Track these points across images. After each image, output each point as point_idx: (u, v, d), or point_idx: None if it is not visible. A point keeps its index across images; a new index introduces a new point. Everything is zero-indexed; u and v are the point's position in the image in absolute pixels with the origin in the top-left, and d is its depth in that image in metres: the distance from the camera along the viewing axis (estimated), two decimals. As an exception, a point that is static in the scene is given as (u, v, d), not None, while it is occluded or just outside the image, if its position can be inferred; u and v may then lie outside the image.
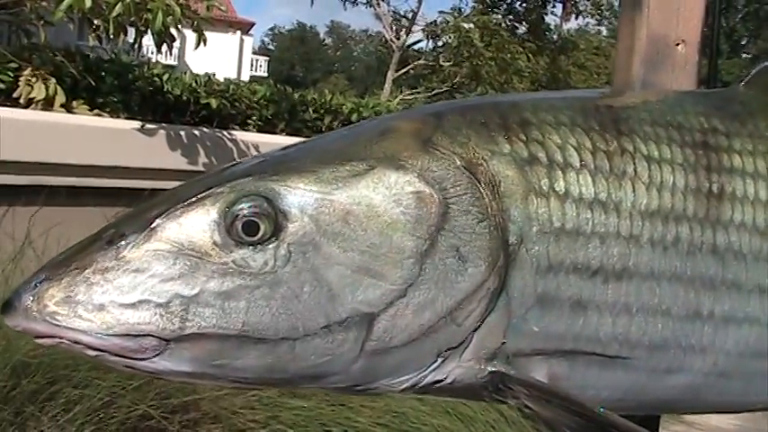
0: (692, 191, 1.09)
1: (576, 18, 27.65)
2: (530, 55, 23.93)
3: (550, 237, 1.01)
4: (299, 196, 0.94)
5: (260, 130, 6.44)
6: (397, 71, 23.10)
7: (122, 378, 2.62)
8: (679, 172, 1.09)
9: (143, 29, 4.43)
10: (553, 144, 1.05)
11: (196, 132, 5.33)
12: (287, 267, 0.92)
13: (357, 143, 1.03)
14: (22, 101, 4.68)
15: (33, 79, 4.71)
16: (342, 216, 0.94)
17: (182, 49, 26.80)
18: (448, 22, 23.72)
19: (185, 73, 6.75)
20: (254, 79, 23.02)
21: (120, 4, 4.14)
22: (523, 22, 26.20)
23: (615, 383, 1.08)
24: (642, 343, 1.06)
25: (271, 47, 61.49)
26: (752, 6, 31.31)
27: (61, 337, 0.90)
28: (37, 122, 4.45)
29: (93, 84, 5.29)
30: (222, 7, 5.09)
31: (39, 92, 4.69)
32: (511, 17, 25.82)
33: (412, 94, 23.31)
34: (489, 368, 1.01)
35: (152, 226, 0.93)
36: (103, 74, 5.59)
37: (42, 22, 4.96)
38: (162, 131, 5.11)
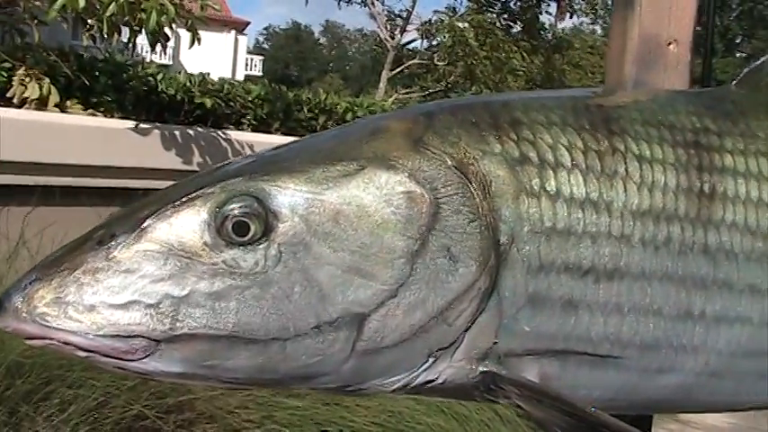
0: (684, 190, 1.08)
1: (571, 17, 27.60)
2: (524, 54, 23.91)
3: (541, 236, 1.01)
4: (289, 196, 0.94)
5: (254, 130, 6.44)
6: (391, 70, 23.10)
7: (117, 378, 2.62)
8: (670, 171, 1.08)
9: (137, 28, 4.43)
10: (544, 144, 1.05)
11: (190, 132, 5.33)
12: (277, 267, 0.92)
13: (348, 143, 1.03)
14: (15, 100, 4.68)
15: (27, 79, 4.71)
16: (332, 216, 0.94)
17: (176, 49, 26.80)
18: (442, 21, 23.71)
19: (180, 72, 6.73)
20: (248, 78, 22.99)
21: (113, 3, 4.13)
22: (518, 22, 26.16)
23: (606, 383, 1.08)
24: (633, 343, 1.06)
25: (265, 46, 61.47)
26: (746, 5, 31.37)
27: (51, 338, 0.89)
28: (31, 122, 4.44)
29: (87, 83, 5.29)
30: (216, 6, 5.09)
31: (32, 91, 4.69)
32: (505, 16, 25.80)
33: (407, 93, 23.33)
34: (481, 368, 1.01)
35: (142, 226, 0.92)
36: (97, 73, 5.59)
37: (36, 21, 4.95)
38: (156, 131, 5.10)
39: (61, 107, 4.92)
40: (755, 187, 1.12)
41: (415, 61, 24.53)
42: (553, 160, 1.04)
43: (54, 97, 4.80)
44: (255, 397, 2.86)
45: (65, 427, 2.54)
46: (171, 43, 4.71)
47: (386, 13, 24.86)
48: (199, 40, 4.68)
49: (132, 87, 5.78)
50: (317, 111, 7.12)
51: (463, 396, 1.08)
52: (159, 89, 5.99)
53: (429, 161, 0.99)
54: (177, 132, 5.22)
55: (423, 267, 0.95)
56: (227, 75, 25.31)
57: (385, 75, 22.86)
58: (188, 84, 6.23)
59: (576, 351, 1.04)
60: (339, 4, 24.63)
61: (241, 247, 0.92)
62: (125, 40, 4.72)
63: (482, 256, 0.97)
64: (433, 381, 1.01)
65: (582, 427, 0.96)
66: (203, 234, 0.92)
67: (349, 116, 7.25)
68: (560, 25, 29.47)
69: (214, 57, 30.52)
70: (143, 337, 0.89)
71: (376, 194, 0.96)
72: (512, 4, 25.70)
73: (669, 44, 1.81)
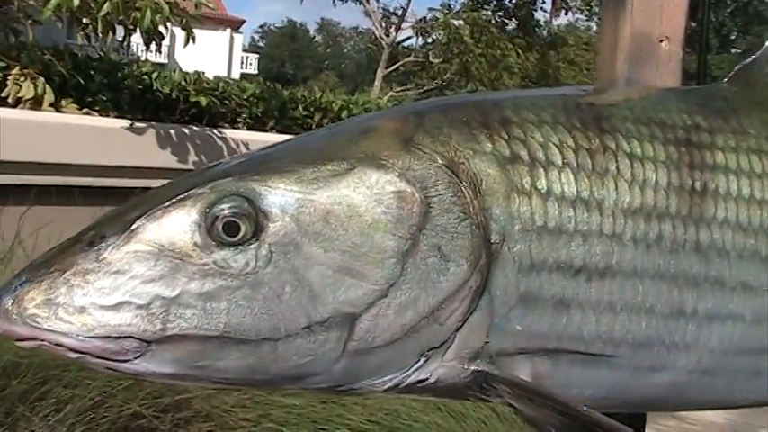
0: (675, 188, 1.08)
1: (566, 14, 27.72)
2: (519, 51, 23.96)
3: (533, 235, 1.00)
4: (279, 196, 0.93)
5: (250, 128, 6.44)
6: (386, 68, 23.10)
7: (113, 377, 2.62)
8: (662, 169, 1.08)
9: (132, 27, 4.42)
10: (535, 142, 1.04)
11: (186, 131, 5.33)
12: (268, 268, 0.91)
13: (338, 143, 1.02)
14: (10, 100, 4.67)
15: (22, 78, 4.70)
16: (323, 216, 0.93)
17: (171, 47, 26.73)
18: (437, 18, 23.74)
19: (175, 71, 6.73)
20: (244, 77, 22.97)
21: (108, 2, 4.14)
22: (513, 19, 26.22)
23: (599, 381, 1.08)
24: (626, 341, 1.05)
25: (261, 44, 61.45)
26: (741, 1, 31.41)
27: (42, 340, 0.89)
28: (26, 122, 4.44)
29: (83, 82, 5.29)
30: (211, 5, 5.08)
31: (27, 91, 4.69)
32: (500, 13, 25.86)
33: (402, 90, 23.33)
34: (473, 367, 1.00)
35: (132, 227, 0.92)
36: (92, 72, 5.59)
37: (30, 20, 4.95)
38: (151, 130, 5.10)
39: (56, 106, 4.92)
40: (747, 184, 1.12)
41: (411, 59, 24.55)
42: (544, 159, 1.03)
43: (49, 96, 4.80)
44: (252, 395, 2.86)
45: (61, 426, 2.54)
46: (166, 42, 4.71)
47: (381, 10, 24.90)
48: (193, 38, 4.68)
49: (127, 86, 5.79)
50: (312, 109, 7.13)
51: (455, 395, 1.07)
52: (154, 88, 5.99)
53: (419, 160, 0.98)
54: (172, 131, 5.22)
55: (413, 267, 0.95)
56: (223, 73, 25.29)
57: (380, 72, 22.86)
58: (183, 82, 6.24)
59: (569, 350, 1.03)
60: (334, 2, 24.70)
61: (231, 248, 0.91)
62: (120, 39, 4.71)
63: (473, 256, 0.97)
64: (424, 380, 1.00)
65: (574, 425, 0.96)
66: (193, 235, 0.91)
67: (344, 114, 7.26)
68: (555, 22, 29.52)
69: (209, 55, 30.50)
70: (134, 337, 0.89)
71: (366, 194, 0.95)
72: (507, 2, 25.75)
73: (661, 41, 1.81)
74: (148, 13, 4.26)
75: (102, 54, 5.97)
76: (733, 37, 34.77)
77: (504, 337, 1.01)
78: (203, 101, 6.06)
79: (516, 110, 1.08)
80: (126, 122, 5.07)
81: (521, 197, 1.01)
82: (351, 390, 1.01)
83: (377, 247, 0.94)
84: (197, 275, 0.90)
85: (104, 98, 5.57)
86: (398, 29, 24.15)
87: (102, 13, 4.20)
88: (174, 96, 6.05)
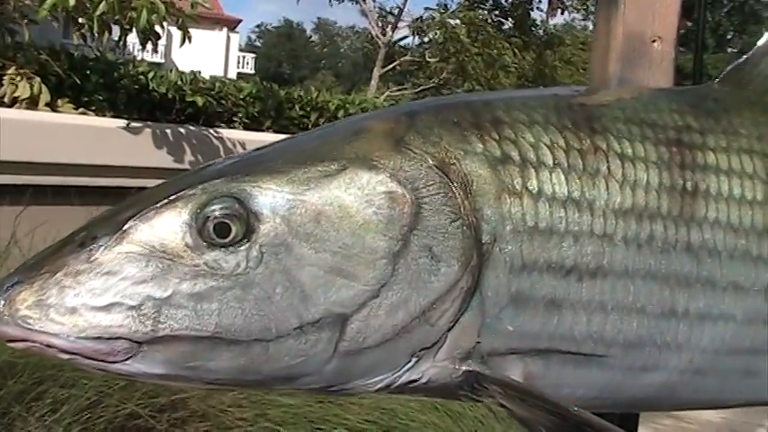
0: (666, 188, 1.08)
1: (562, 13, 27.71)
2: (516, 50, 23.95)
3: (524, 236, 1.00)
4: (270, 197, 0.94)
5: (246, 128, 6.44)
6: (383, 67, 23.09)
7: (109, 377, 2.62)
8: (653, 170, 1.08)
9: (127, 27, 4.42)
10: (526, 143, 1.04)
11: (182, 130, 5.33)
12: (259, 269, 0.92)
13: (330, 143, 1.02)
14: (6, 100, 4.67)
15: (18, 78, 4.70)
16: (314, 217, 0.94)
17: (168, 47, 26.75)
18: (434, 18, 23.72)
19: (171, 71, 6.73)
20: (240, 76, 22.97)
21: (104, 2, 4.13)
22: (509, 18, 26.21)
23: (590, 382, 1.08)
24: (617, 341, 1.05)
25: (258, 44, 61.42)
26: (737, 1, 31.45)
27: (33, 341, 0.89)
28: (22, 121, 4.44)
29: (79, 82, 5.29)
30: (207, 5, 5.08)
31: (23, 91, 4.68)
32: (497, 13, 25.84)
33: (398, 90, 23.33)
34: (464, 368, 1.00)
35: (124, 228, 0.92)
36: (89, 72, 5.59)
37: (26, 20, 4.95)
38: (148, 129, 5.10)
39: (52, 106, 4.92)
40: (738, 185, 1.12)
41: (407, 58, 24.53)
42: (535, 159, 1.03)
43: (45, 96, 4.80)
44: (249, 395, 2.86)
45: (57, 426, 2.54)
46: (162, 41, 4.71)
47: (377, 10, 24.87)
48: (189, 38, 4.68)
49: (123, 86, 5.79)
50: (308, 108, 7.12)
51: (447, 396, 1.07)
52: (150, 88, 5.99)
53: (410, 161, 0.98)
54: (169, 131, 5.22)
55: (405, 267, 0.95)
56: (220, 73, 25.31)
57: (377, 72, 22.84)
58: (179, 82, 6.23)
59: (560, 350, 1.03)
60: (330, 1, 24.65)
61: (222, 249, 0.91)
62: (116, 39, 4.71)
63: (464, 256, 0.97)
64: (416, 380, 1.01)
65: (566, 425, 0.96)
66: (185, 236, 0.91)
67: (341, 113, 7.26)
68: (552, 21, 29.54)
69: (206, 55, 30.49)
70: (125, 338, 0.89)
71: (357, 195, 0.95)
72: (503, 1, 25.75)
73: (653, 41, 1.81)
74: (144, 13, 4.26)
75: (98, 54, 5.96)
76: (729, 36, 34.82)
77: (495, 338, 1.01)
78: (199, 100, 6.06)
79: (507, 110, 1.08)
80: (122, 122, 5.07)
81: (512, 198, 1.01)
82: (342, 390, 1.01)
83: (368, 247, 0.94)
84: (188, 276, 0.91)
85: (100, 98, 5.57)
86: (395, 28, 24.13)
87: (97, 12, 4.19)
88: (170, 96, 6.05)
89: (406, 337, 0.96)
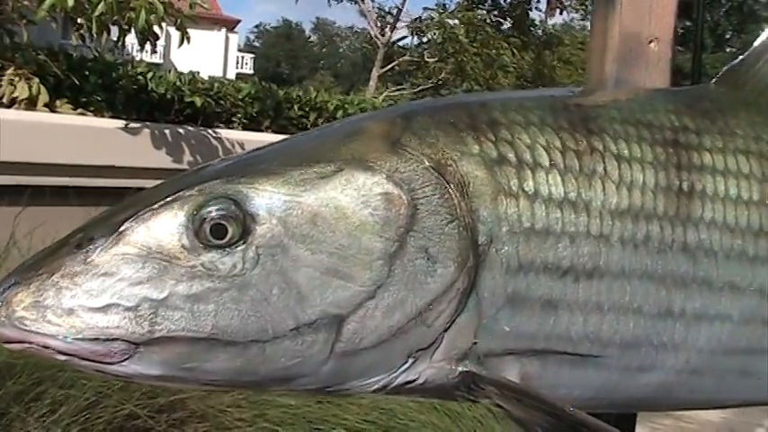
0: (663, 189, 1.08)
1: (561, 13, 27.64)
2: (515, 50, 23.94)
3: (520, 237, 1.00)
4: (266, 198, 0.94)
5: (245, 128, 6.45)
6: (382, 68, 23.08)
7: (108, 378, 2.62)
8: (649, 170, 1.08)
9: (126, 27, 4.42)
10: (522, 144, 1.04)
11: (180, 131, 5.33)
12: (255, 270, 0.92)
13: (326, 145, 1.02)
14: (5, 100, 4.67)
15: (16, 79, 4.71)
16: (310, 218, 0.94)
17: (167, 47, 26.75)
18: (432, 18, 23.71)
19: (170, 71, 6.73)
20: (239, 76, 22.97)
21: (102, 2, 4.14)
22: (508, 18, 26.20)
23: (587, 382, 1.08)
24: (614, 341, 1.05)
25: (257, 44, 61.38)
26: (735, 1, 31.46)
27: (30, 342, 0.89)
28: (20, 122, 4.44)
29: (77, 83, 5.29)
30: (205, 5, 5.08)
31: (22, 91, 4.69)
32: (495, 13, 25.81)
33: (397, 90, 23.32)
34: (460, 368, 1.00)
35: (120, 230, 0.92)
36: (87, 73, 5.59)
37: (25, 21, 4.95)
38: (146, 130, 5.11)
39: (51, 107, 4.92)
40: (734, 185, 1.12)
41: (406, 58, 24.52)
42: (531, 160, 1.03)
43: (43, 97, 4.81)
44: (247, 396, 2.86)
45: (56, 427, 2.54)
46: (161, 42, 4.72)
47: (376, 10, 24.86)
48: (188, 38, 4.68)
49: (122, 86, 5.79)
50: (307, 109, 7.13)
51: (444, 396, 1.07)
52: (149, 88, 5.99)
53: (406, 162, 0.98)
54: (167, 131, 5.23)
55: (401, 269, 0.95)
56: (219, 73, 25.30)
57: (375, 72, 22.84)
58: (178, 82, 6.23)
59: (557, 350, 1.03)
60: (329, 1, 24.60)
61: (219, 250, 0.91)
62: (114, 40, 4.71)
63: (460, 257, 0.97)
64: (412, 381, 1.01)
65: (562, 426, 0.96)
66: (181, 237, 0.91)
67: (339, 114, 7.27)
68: (550, 21, 29.51)
69: (205, 55, 30.48)
70: (122, 340, 0.89)
71: (353, 196, 0.95)
72: (502, 1, 25.73)
73: (650, 42, 1.81)
74: (143, 14, 4.27)
75: (96, 54, 5.96)
76: (728, 36, 34.82)
77: (491, 338, 1.01)
78: (198, 101, 6.06)
79: (504, 111, 1.07)
80: (121, 123, 5.07)
81: (508, 199, 1.01)
82: (339, 391, 1.01)
83: (364, 248, 0.94)
84: (185, 278, 0.91)
85: (99, 98, 5.57)
86: (393, 28, 24.12)
87: (96, 13, 4.20)
88: (168, 96, 6.05)
89: (402, 338, 0.96)
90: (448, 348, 0.99)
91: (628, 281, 1.05)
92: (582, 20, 30.35)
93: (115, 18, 4.35)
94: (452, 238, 0.97)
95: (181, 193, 0.94)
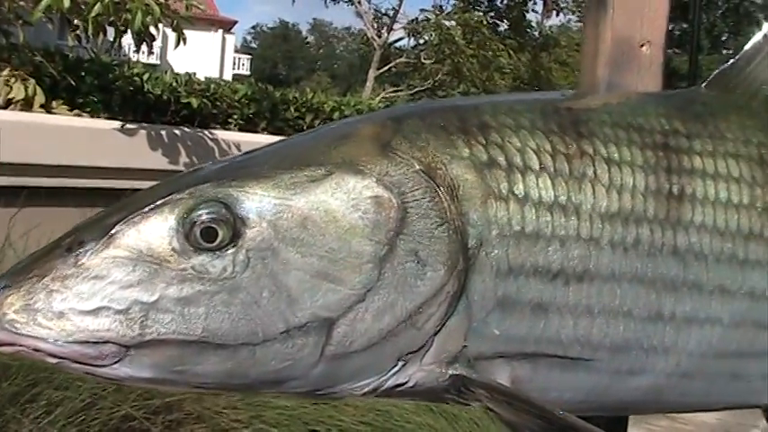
0: (653, 192, 1.08)
1: (557, 15, 27.73)
2: (511, 52, 23.96)
3: (510, 240, 1.01)
4: (257, 202, 0.94)
5: (241, 129, 6.45)
6: (378, 69, 23.06)
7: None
8: (639, 174, 1.08)
9: (122, 28, 4.42)
10: (513, 147, 1.04)
11: (177, 132, 5.33)
12: (246, 273, 0.92)
13: (316, 148, 1.02)
14: (0, 101, 4.66)
15: (12, 80, 4.70)
16: (300, 221, 0.94)
17: (164, 48, 26.72)
18: (429, 19, 23.72)
19: (166, 72, 6.73)
20: (236, 78, 22.94)
21: (99, 3, 4.13)
22: (505, 20, 26.24)
23: (578, 385, 1.08)
24: (604, 345, 1.05)
25: (253, 45, 61.33)
26: (732, 2, 31.49)
27: (21, 345, 0.89)
28: (16, 123, 4.43)
29: (73, 84, 5.29)
30: (201, 6, 5.08)
31: (18, 92, 4.68)
32: (492, 14, 25.85)
33: (394, 92, 23.31)
34: (450, 371, 1.00)
35: (111, 233, 0.92)
36: (83, 74, 5.59)
37: (21, 21, 4.94)
38: (142, 131, 5.10)
39: (47, 108, 4.92)
40: (724, 188, 1.12)
41: (402, 60, 24.51)
42: (521, 164, 1.04)
43: (40, 98, 4.80)
44: (244, 397, 2.86)
45: (52, 429, 2.54)
46: (158, 43, 4.72)
47: (373, 11, 24.85)
48: (184, 40, 4.69)
49: (118, 87, 5.79)
50: (303, 110, 7.13)
51: (434, 399, 1.08)
52: (145, 89, 5.99)
53: (397, 166, 0.98)
54: (164, 132, 5.22)
55: (391, 272, 0.95)
56: (215, 74, 25.27)
57: (372, 73, 22.82)
58: (174, 84, 6.23)
59: (547, 354, 1.04)
60: (326, 2, 24.61)
61: (209, 253, 0.92)
62: (111, 40, 4.71)
63: (450, 260, 0.97)
64: (403, 384, 1.01)
65: (552, 429, 0.96)
66: (171, 240, 0.92)
67: (336, 115, 7.27)
68: (547, 23, 29.55)
69: (202, 56, 30.48)
70: (113, 342, 0.89)
71: (344, 199, 0.95)
72: (498, 3, 25.77)
73: (642, 46, 1.81)
74: (139, 15, 4.27)
75: (93, 55, 5.96)
76: (724, 38, 34.84)
77: (482, 342, 1.01)
78: (194, 102, 6.07)
79: (494, 115, 1.08)
80: (117, 124, 5.07)
81: (498, 202, 1.01)
82: (329, 394, 1.02)
83: (354, 252, 0.94)
84: (175, 281, 0.91)
85: (95, 99, 5.57)
86: (390, 30, 24.11)
87: (92, 14, 4.20)
88: (165, 98, 6.05)
89: (392, 341, 0.96)
90: (438, 351, 0.99)
91: (618, 284, 1.05)
92: (578, 21, 30.36)
93: (111, 19, 4.35)
94: (442, 242, 0.97)
95: (171, 197, 0.94)
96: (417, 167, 0.99)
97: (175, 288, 0.91)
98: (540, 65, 27.19)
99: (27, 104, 4.74)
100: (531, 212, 1.02)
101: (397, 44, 25.88)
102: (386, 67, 23.63)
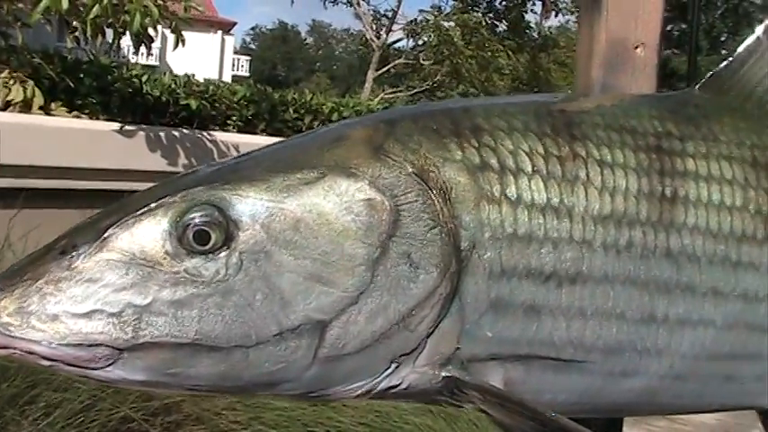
0: (646, 195, 1.08)
1: (556, 16, 27.69)
2: (510, 53, 23.98)
3: (503, 242, 1.01)
4: (249, 205, 0.94)
5: (240, 131, 6.44)
6: (377, 70, 23.08)
7: (102, 382, 2.61)
8: (632, 176, 1.08)
9: (121, 30, 4.42)
10: (505, 150, 1.04)
11: (176, 133, 5.33)
12: (239, 276, 0.92)
13: (309, 151, 1.03)
14: (-1, 103, 4.66)
15: (11, 81, 4.70)
16: (293, 224, 0.94)
17: (163, 50, 26.71)
18: (428, 20, 23.74)
19: (165, 74, 6.73)
20: (235, 79, 22.95)
21: (97, 5, 4.14)
22: (503, 20, 26.24)
23: (571, 387, 1.08)
24: (597, 347, 1.05)
25: (252, 46, 61.31)
26: (731, 3, 31.50)
27: (15, 348, 0.90)
28: (15, 125, 4.43)
29: (72, 85, 5.29)
30: (200, 8, 5.09)
31: (17, 94, 4.68)
32: (491, 15, 25.85)
33: (393, 92, 23.31)
34: (444, 373, 1.00)
35: (104, 236, 0.92)
36: (82, 75, 5.59)
37: (20, 23, 4.95)
38: (141, 133, 5.10)
39: (46, 109, 4.92)
40: (717, 191, 1.12)
41: (401, 61, 24.53)
42: (514, 166, 1.04)
43: (38, 99, 4.80)
44: (242, 398, 2.86)
45: (51, 430, 2.54)
46: (157, 44, 4.72)
47: (371, 12, 24.87)
48: (183, 41, 4.69)
49: (117, 89, 5.79)
50: (302, 111, 7.13)
51: (428, 401, 1.08)
52: (144, 91, 5.99)
53: (389, 168, 0.99)
54: (162, 134, 5.22)
55: (383, 274, 0.95)
56: (214, 75, 25.27)
57: (371, 74, 22.84)
58: (173, 85, 6.23)
59: (540, 356, 1.04)
60: (325, 3, 24.66)
61: (202, 256, 0.92)
62: (110, 42, 4.72)
63: (443, 263, 0.97)
64: (396, 386, 1.01)
65: (544, 431, 0.97)
66: (165, 243, 0.92)
67: (335, 116, 7.27)
68: (546, 24, 29.55)
69: (201, 57, 30.48)
70: (106, 345, 0.90)
71: (336, 202, 0.96)
72: (497, 3, 25.78)
73: (636, 47, 1.81)
74: (137, 17, 4.27)
75: (91, 57, 5.97)
76: (723, 38, 34.84)
77: (475, 344, 1.01)
78: (193, 104, 6.06)
79: (487, 117, 1.08)
80: (116, 125, 5.06)
81: (491, 204, 1.01)
82: (322, 396, 1.02)
83: (347, 254, 0.95)
84: (168, 283, 0.91)
85: (94, 101, 5.57)
86: (389, 31, 24.14)
87: (91, 16, 4.20)
88: (163, 99, 6.05)
89: (385, 344, 0.97)
90: (431, 353, 1.00)
91: (611, 286, 1.05)
92: (577, 22, 30.36)
93: (110, 21, 4.35)
94: (435, 244, 0.97)
95: (164, 200, 0.94)
96: (410, 170, 0.99)
97: (168, 291, 0.91)
98: (539, 65, 27.20)
99: (26, 106, 4.74)
100: (523, 215, 1.02)
101: (396, 45, 25.94)
102: (385, 69, 23.65)
